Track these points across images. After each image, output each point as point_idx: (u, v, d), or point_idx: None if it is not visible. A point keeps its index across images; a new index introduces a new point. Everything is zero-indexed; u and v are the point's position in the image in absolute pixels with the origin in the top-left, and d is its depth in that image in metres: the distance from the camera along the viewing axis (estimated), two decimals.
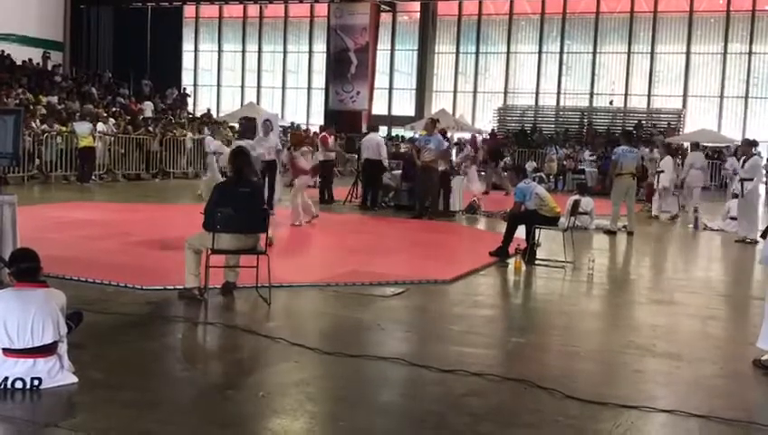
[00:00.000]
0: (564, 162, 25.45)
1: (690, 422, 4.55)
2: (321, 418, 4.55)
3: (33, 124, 19.43)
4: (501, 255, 9.87)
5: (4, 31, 31.27)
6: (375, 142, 16.10)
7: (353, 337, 6.21)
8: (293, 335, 5.94)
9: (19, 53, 30.57)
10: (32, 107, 22.02)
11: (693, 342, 6.59)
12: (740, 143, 15.15)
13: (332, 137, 18.38)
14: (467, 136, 29.07)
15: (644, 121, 32.11)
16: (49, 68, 31.62)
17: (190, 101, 36.31)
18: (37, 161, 18.92)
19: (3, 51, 30.23)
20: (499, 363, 5.67)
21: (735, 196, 13.82)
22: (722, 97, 32.11)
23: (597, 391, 4.92)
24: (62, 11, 35.10)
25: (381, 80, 35.95)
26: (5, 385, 4.53)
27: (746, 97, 31.77)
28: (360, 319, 6.83)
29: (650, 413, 4.64)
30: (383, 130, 19.06)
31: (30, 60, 30.78)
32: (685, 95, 32.61)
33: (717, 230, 14.34)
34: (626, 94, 33.42)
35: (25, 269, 4.83)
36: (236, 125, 29.25)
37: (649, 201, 17.89)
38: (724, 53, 31.86)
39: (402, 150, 18.44)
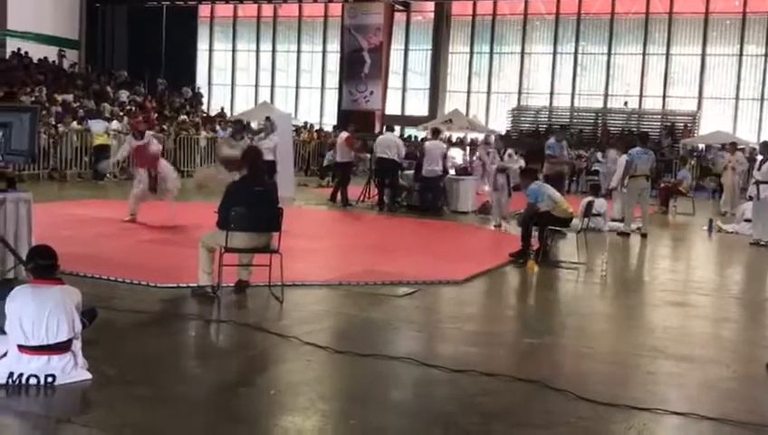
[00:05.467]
0: (584, 163, 25.21)
1: (703, 425, 4.54)
2: (332, 416, 4.57)
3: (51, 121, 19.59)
4: (522, 257, 9.75)
5: (21, 29, 31.46)
6: (392, 142, 16.07)
7: (365, 336, 6.22)
8: (305, 334, 5.95)
9: (35, 51, 30.76)
10: (47, 105, 22.15)
11: (706, 344, 6.56)
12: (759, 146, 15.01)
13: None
14: (480, 136, 29.05)
15: (659, 123, 31.98)
16: (65, 66, 31.79)
17: (204, 100, 36.42)
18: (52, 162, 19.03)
19: (19, 49, 30.43)
20: (511, 364, 5.67)
21: (750, 198, 13.73)
22: (737, 99, 31.90)
23: (609, 393, 4.91)
24: (78, 9, 35.27)
25: (395, 80, 35.92)
26: (20, 381, 4.57)
27: (762, 99, 31.54)
28: (371, 318, 6.85)
29: (663, 415, 4.63)
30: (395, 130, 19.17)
31: (45, 58, 30.96)
32: (700, 97, 32.41)
33: (732, 233, 14.25)
34: (641, 96, 33.23)
35: (43, 266, 4.86)
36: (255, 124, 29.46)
37: (664, 204, 17.82)
38: (740, 55, 31.63)
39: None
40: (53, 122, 20.05)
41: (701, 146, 30.11)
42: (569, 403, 4.75)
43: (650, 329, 7.05)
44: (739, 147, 21.52)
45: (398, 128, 28.61)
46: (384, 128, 17.74)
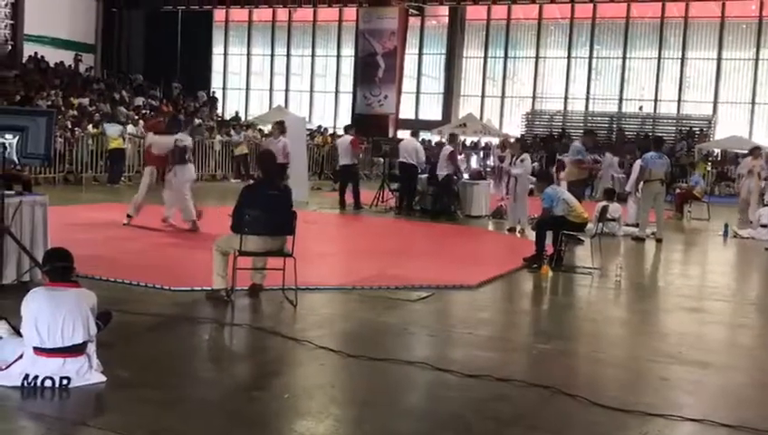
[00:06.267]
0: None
1: (718, 432, 4.50)
2: (345, 420, 4.57)
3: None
4: (536, 261, 9.70)
5: (37, 33, 31.71)
6: (412, 146, 16.11)
7: (378, 340, 6.21)
8: (319, 338, 5.96)
9: (51, 56, 31.00)
10: (63, 108, 22.30)
11: (721, 350, 6.52)
12: None
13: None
14: (495, 141, 29.01)
15: (674, 128, 31.83)
16: (81, 70, 32.01)
17: (219, 104, 36.55)
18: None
19: (36, 53, 30.67)
20: (524, 369, 5.65)
21: (767, 204, 13.65)
22: (753, 103, 31.71)
23: (623, 399, 4.89)
24: (94, 13, 35.50)
25: (409, 84, 35.91)
26: (35, 383, 4.59)
27: None
28: (385, 322, 6.84)
29: (677, 422, 4.60)
30: (407, 133, 18.99)
31: (62, 62, 31.19)
32: (715, 101, 32.24)
33: (747, 238, 14.16)
34: (655, 100, 33.09)
35: (59, 268, 4.89)
36: (265, 128, 29.57)
37: (679, 209, 17.72)
38: (756, 60, 31.44)
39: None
40: (69, 126, 20.19)
41: (716, 151, 29.97)
42: (582, 409, 4.73)
43: (665, 334, 7.02)
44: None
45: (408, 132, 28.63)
46: (410, 133, 17.70)
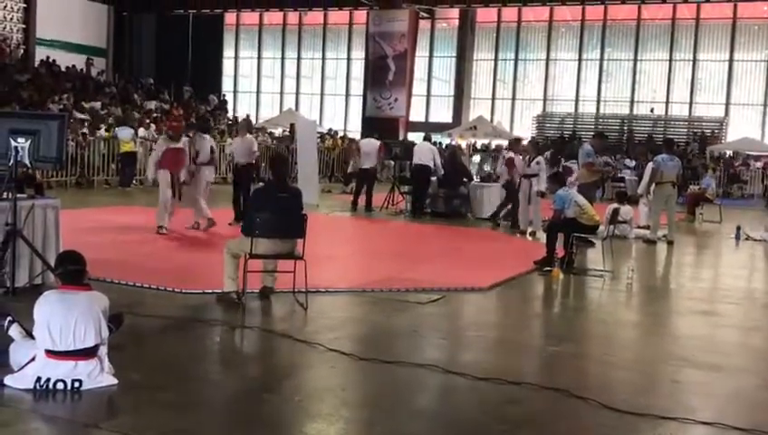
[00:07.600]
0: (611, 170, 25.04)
1: None
2: (356, 423, 4.57)
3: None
4: (547, 264, 9.69)
5: (49, 37, 31.90)
6: (428, 148, 16.16)
7: (389, 343, 6.21)
8: (330, 340, 5.96)
9: (63, 59, 31.18)
10: (74, 112, 22.41)
11: (734, 353, 6.49)
12: None
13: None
14: (506, 143, 28.98)
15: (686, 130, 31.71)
16: (92, 74, 32.17)
17: (230, 107, 36.66)
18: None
19: (48, 57, 30.85)
20: (536, 372, 5.64)
21: None
22: (766, 105, 31.58)
23: (635, 402, 4.87)
24: (105, 18, 35.70)
25: (419, 86, 35.95)
26: (47, 386, 4.61)
27: None
28: (396, 325, 6.84)
29: (689, 425, 4.57)
30: (418, 136, 18.95)
31: (74, 66, 31.35)
32: (727, 103, 32.13)
33: (760, 240, 14.09)
34: (667, 102, 33.01)
35: (72, 271, 4.91)
36: (276, 130, 29.61)
37: (691, 211, 17.65)
38: None
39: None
40: (81, 130, 20.30)
41: (728, 153, 29.86)
42: (594, 412, 4.72)
43: (677, 337, 6.99)
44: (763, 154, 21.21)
45: (421, 134, 28.56)
46: (423, 137, 17.77)
